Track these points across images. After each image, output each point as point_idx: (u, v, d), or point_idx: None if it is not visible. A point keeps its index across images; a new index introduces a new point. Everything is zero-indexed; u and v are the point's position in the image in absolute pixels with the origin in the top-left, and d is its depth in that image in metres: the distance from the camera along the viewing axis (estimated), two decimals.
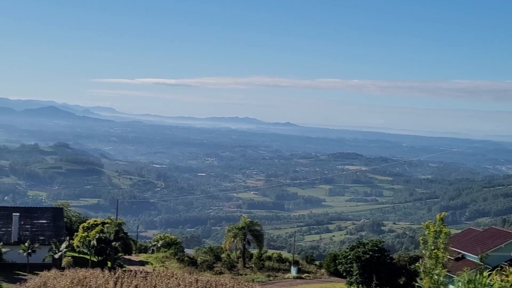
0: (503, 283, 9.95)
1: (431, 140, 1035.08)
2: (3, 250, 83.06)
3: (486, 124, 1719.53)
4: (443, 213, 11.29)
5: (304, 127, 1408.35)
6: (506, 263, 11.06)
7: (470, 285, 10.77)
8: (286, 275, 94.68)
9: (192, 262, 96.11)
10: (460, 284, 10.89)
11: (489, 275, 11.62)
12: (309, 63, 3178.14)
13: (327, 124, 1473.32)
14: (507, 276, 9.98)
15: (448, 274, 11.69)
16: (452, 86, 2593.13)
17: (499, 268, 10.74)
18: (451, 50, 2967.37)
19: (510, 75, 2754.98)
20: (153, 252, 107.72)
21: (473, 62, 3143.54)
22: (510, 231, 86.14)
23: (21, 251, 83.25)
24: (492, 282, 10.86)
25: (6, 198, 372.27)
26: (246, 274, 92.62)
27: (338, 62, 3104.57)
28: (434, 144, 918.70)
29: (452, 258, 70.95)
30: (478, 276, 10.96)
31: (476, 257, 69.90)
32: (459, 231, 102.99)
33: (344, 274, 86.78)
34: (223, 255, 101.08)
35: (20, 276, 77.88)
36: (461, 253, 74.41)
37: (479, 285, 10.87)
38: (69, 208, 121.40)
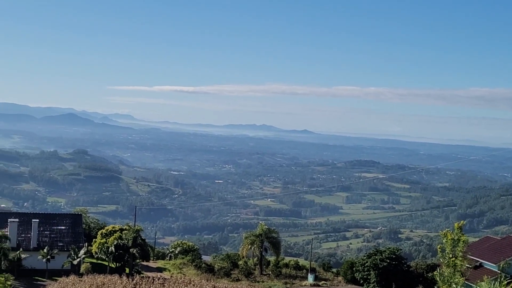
0: None
1: (448, 148, 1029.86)
2: (23, 256, 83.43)
3: (504, 132, 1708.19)
4: (462, 221, 11.20)
5: (321, 134, 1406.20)
6: None
7: None
8: (303, 283, 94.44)
9: (209, 269, 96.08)
10: None
11: (508, 283, 11.52)
12: (326, 70, 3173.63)
13: (344, 132, 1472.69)
14: None
15: (466, 282, 11.61)
16: (469, 94, 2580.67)
17: None
18: (468, 58, 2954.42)
19: None
20: (170, 258, 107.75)
21: (491, 70, 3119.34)
22: None
23: (40, 257, 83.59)
24: None
25: (25, 204, 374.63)
26: (263, 281, 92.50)
27: (355, 70, 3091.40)
28: (452, 152, 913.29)
29: (470, 266, 70.48)
30: (497, 284, 10.87)
31: (494, 265, 69.42)
32: (477, 239, 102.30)
33: (361, 281, 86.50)
34: (240, 262, 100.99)
35: (39, 282, 78.24)
36: (479, 261, 73.91)
37: None
38: (87, 215, 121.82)
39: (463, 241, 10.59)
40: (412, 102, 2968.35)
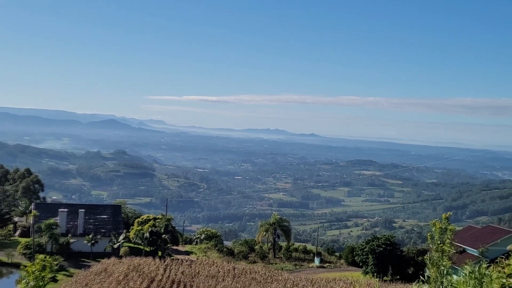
0: (500, 274, 9.77)
1: (436, 149, 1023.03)
2: (71, 240, 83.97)
3: (485, 136, 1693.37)
4: (449, 213, 11.12)
5: (326, 137, 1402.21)
6: (502, 257, 10.83)
7: (472, 275, 10.59)
8: (311, 265, 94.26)
9: (230, 253, 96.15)
10: (464, 274, 10.72)
11: (488, 267, 11.43)
12: (330, 83, 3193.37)
13: (346, 135, 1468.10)
14: (503, 267, 9.79)
15: (452, 265, 11.55)
16: (454, 103, 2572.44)
17: (497, 261, 10.54)
18: (454, 72, 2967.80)
19: (506, 93, 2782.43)
20: (196, 243, 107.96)
21: (473, 82, 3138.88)
22: (505, 229, 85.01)
23: (85, 241, 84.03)
24: (490, 273, 10.67)
25: (73, 196, 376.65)
26: (276, 264, 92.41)
27: (356, 82, 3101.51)
28: (439, 153, 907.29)
29: (455, 251, 70.06)
30: (478, 267, 10.78)
31: (476, 250, 69.05)
32: (461, 228, 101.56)
33: (360, 264, 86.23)
34: (256, 247, 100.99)
35: (84, 263, 78.64)
36: (462, 247, 73.54)
37: (479, 276, 10.69)
38: (126, 206, 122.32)
39: (450, 230, 10.51)
40: (405, 109, 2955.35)
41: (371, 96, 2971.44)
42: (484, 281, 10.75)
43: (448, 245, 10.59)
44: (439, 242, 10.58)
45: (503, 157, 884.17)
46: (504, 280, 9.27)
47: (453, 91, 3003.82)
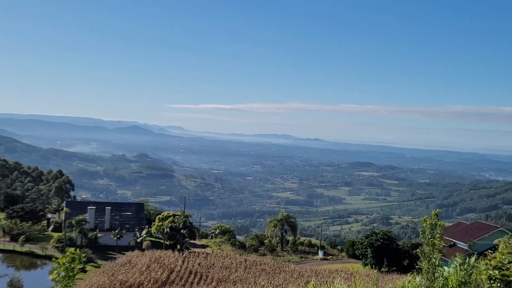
0: (487, 266, 9.71)
1: (429, 152, 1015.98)
2: (99, 235, 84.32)
3: (473, 140, 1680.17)
4: (438, 209, 11.04)
5: (329, 141, 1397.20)
6: (489, 250, 10.75)
7: (462, 267, 10.53)
8: (315, 257, 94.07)
9: (241, 246, 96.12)
10: (454, 266, 10.65)
11: (476, 259, 11.37)
12: (333, 92, 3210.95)
13: (347, 140, 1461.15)
14: (490, 260, 9.73)
15: (443, 258, 11.48)
16: (446, 110, 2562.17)
17: (484, 254, 10.47)
18: (445, 83, 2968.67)
19: (492, 102, 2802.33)
20: (212, 238, 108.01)
21: (463, 91, 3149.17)
22: (492, 225, 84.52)
23: (112, 236, 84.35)
24: (478, 265, 10.60)
25: (100, 195, 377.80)
26: (283, 256, 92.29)
27: (356, 91, 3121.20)
28: (431, 156, 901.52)
29: (445, 245, 69.61)
30: (467, 260, 10.72)
31: (465, 244, 68.60)
32: (451, 224, 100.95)
33: (360, 257, 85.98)
34: (266, 241, 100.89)
35: (111, 255, 78.89)
36: (453, 241, 73.14)
37: (468, 267, 10.61)
38: (148, 204, 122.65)
39: (440, 225, 10.44)
40: (400, 116, 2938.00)
41: (370, 104, 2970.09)
42: (472, 272, 10.69)
43: (438, 239, 10.51)
44: (429, 236, 10.51)
45: (490, 159, 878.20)
46: (491, 272, 9.21)
47: (444, 99, 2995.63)
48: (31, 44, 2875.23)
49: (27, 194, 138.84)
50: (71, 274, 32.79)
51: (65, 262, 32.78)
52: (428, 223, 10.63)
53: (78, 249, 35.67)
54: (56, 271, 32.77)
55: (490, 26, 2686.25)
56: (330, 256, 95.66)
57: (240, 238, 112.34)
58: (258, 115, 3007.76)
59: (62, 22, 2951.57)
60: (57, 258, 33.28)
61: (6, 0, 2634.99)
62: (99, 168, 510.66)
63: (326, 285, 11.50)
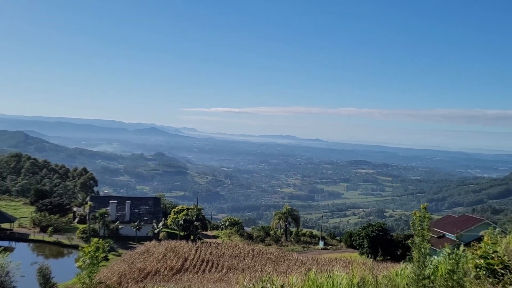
0: (473, 255, 9.69)
1: (420, 152, 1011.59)
2: (120, 226, 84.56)
3: (460, 140, 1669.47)
4: (426, 203, 11.01)
5: (328, 142, 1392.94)
6: (475, 241, 10.74)
7: (450, 256, 10.50)
8: (316, 247, 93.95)
9: (249, 237, 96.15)
10: (443, 255, 10.62)
11: (463, 249, 11.35)
12: (332, 97, 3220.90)
13: (345, 140, 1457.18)
14: (476, 250, 9.71)
15: (432, 247, 11.48)
16: (435, 113, 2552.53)
17: (471, 245, 10.46)
18: (434, 89, 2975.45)
19: (477, 105, 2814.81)
20: (222, 229, 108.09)
21: (450, 96, 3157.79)
22: (478, 217, 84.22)
23: (131, 227, 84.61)
24: (465, 255, 10.57)
25: (121, 190, 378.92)
26: (287, 246, 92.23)
27: (353, 96, 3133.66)
28: (422, 155, 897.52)
29: (435, 236, 69.35)
30: (455, 250, 10.69)
31: (453, 235, 68.29)
32: (440, 216, 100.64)
33: (357, 246, 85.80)
34: (271, 232, 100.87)
35: (130, 245, 79.11)
36: (442, 232, 72.83)
37: (456, 257, 10.59)
38: (164, 198, 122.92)
39: (428, 218, 10.43)
40: (393, 119, 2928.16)
41: (366, 107, 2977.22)
42: (460, 261, 10.67)
43: (427, 230, 10.49)
44: (419, 228, 10.49)
45: (476, 158, 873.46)
46: (477, 261, 9.20)
47: (433, 103, 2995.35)
48: (60, 55, 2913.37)
49: (55, 189, 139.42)
50: (95, 261, 33.02)
51: (90, 251, 33.02)
52: (418, 216, 10.61)
53: (101, 240, 35.94)
54: (81, 259, 33.01)
55: (473, 37, 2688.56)
56: (329, 246, 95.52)
57: (247, 229, 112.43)
58: (264, 117, 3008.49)
59: (92, 34, 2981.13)
60: (82, 248, 33.45)
61: (34, 11, 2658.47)
62: (120, 166, 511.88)
63: (326, 273, 11.48)
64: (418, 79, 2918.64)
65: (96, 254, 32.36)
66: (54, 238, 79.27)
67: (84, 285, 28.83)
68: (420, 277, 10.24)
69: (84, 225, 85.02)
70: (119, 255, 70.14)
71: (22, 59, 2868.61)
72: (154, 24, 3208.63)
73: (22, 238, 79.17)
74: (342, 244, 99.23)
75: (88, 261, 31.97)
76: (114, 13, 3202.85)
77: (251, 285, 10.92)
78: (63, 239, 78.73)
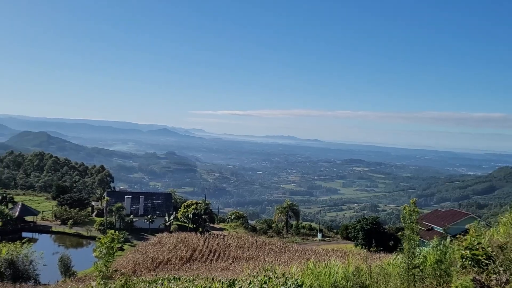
0: (459, 247, 9.70)
1: (410, 151, 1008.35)
2: (134, 219, 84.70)
3: (448, 141, 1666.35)
4: (415, 198, 11.03)
5: (326, 142, 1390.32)
6: (461, 233, 10.72)
7: (438, 247, 10.49)
8: (314, 239, 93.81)
9: (253, 229, 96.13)
10: (431, 246, 10.63)
11: (451, 241, 11.34)
12: (330, 100, 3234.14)
13: (342, 140, 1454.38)
14: (462, 242, 9.72)
15: (421, 239, 11.54)
16: (425, 116, 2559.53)
17: (457, 237, 10.44)
18: (425, 92, 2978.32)
19: (464, 108, 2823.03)
20: (228, 222, 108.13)
21: (440, 99, 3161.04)
22: (464, 212, 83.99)
23: (145, 220, 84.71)
24: (452, 246, 10.57)
25: (135, 186, 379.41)
26: (288, 238, 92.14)
27: (349, 99, 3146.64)
28: (412, 154, 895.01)
29: (424, 229, 69.19)
30: (443, 241, 10.68)
31: (441, 228, 68.12)
32: (429, 211, 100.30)
33: (352, 238, 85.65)
34: (273, 225, 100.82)
35: (144, 236, 79.21)
36: (430, 225, 72.66)
37: (444, 248, 10.57)
38: (175, 193, 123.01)
39: (416, 212, 10.45)
40: (387, 120, 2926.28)
41: (361, 110, 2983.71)
42: (447, 252, 10.65)
43: (416, 223, 10.50)
44: (409, 221, 10.49)
45: (462, 157, 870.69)
46: (463, 251, 9.21)
47: (424, 106, 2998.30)
48: (80, 62, 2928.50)
49: (74, 185, 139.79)
50: (111, 251, 33.10)
51: (107, 242, 33.09)
52: (407, 210, 10.62)
53: (117, 231, 36.02)
54: (98, 249, 33.09)
55: (462, 45, 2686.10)
56: (327, 238, 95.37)
57: (251, 222, 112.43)
58: (267, 119, 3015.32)
59: (112, 43, 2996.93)
60: (99, 239, 33.49)
61: (63, 18, 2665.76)
62: (134, 164, 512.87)
63: (324, 262, 11.49)
64: (411, 84, 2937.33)
65: (112, 245, 32.40)
66: (74, 230, 79.52)
67: (101, 273, 28.87)
68: (410, 267, 10.26)
69: (102, 218, 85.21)
70: (134, 246, 70.26)
71: (45, 66, 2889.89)
72: (167, 33, 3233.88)
73: (45, 230, 79.48)
74: (338, 236, 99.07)
75: (104, 251, 32.01)
76: (133, 22, 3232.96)
77: (255, 273, 10.95)
78: (82, 231, 78.96)
